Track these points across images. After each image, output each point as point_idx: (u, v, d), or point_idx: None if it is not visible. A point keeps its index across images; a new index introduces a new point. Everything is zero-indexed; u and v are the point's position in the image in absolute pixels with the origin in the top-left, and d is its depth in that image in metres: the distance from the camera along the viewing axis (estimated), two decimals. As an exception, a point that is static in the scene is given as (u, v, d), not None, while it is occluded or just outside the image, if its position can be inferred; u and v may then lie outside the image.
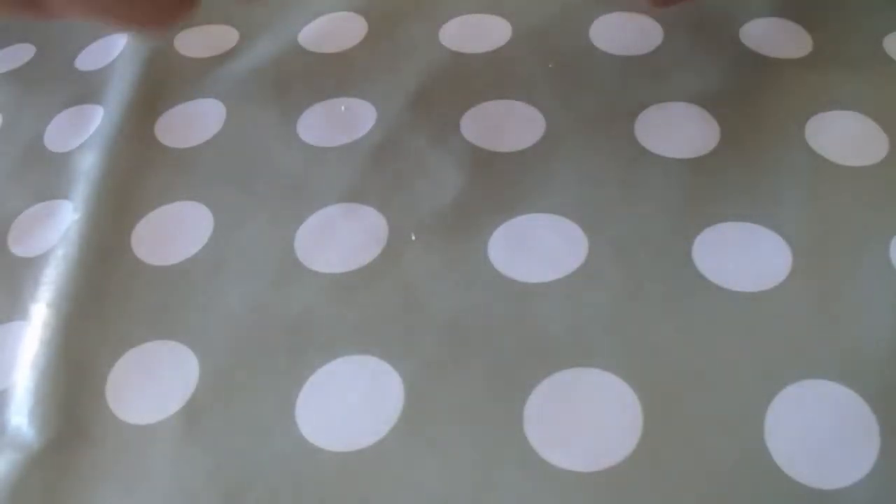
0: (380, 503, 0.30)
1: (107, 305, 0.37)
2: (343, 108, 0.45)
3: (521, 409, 0.32)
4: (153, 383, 0.35)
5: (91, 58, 0.53)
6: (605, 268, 0.36)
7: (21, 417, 0.34)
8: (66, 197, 0.43)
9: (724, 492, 0.29)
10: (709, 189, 0.38)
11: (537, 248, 0.37)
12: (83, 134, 0.47)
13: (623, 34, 0.47)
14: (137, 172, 0.44)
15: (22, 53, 0.54)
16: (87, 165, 0.44)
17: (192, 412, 0.33)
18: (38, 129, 0.48)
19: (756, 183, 0.38)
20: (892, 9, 0.47)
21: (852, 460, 0.29)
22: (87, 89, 0.50)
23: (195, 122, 0.46)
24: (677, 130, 0.41)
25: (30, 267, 0.40)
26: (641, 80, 0.44)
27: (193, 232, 0.40)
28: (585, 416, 0.31)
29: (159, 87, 0.49)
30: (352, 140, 0.43)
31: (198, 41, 0.52)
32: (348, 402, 0.33)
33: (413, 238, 0.38)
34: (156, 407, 0.34)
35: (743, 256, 0.36)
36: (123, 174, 0.43)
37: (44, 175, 0.45)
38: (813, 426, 0.30)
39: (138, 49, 0.51)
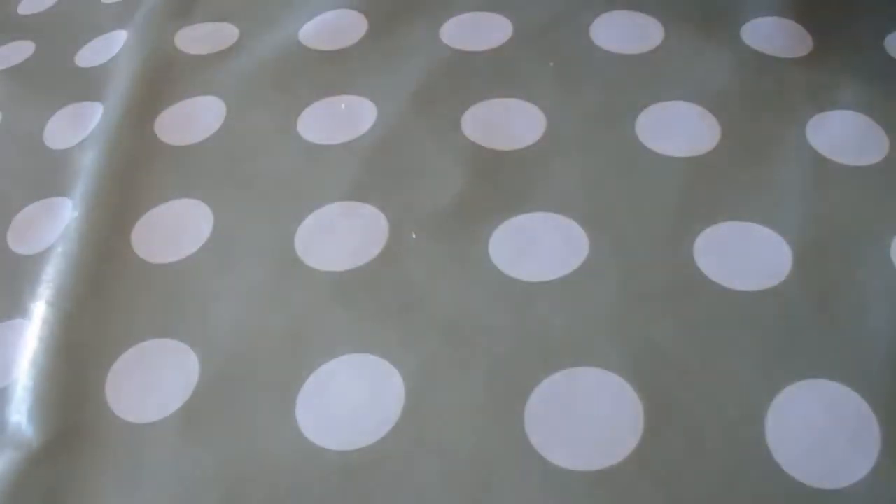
0: (380, 502, 0.30)
1: (107, 303, 0.37)
2: (343, 105, 0.45)
3: (522, 408, 0.32)
4: (153, 382, 0.34)
5: (91, 55, 0.53)
6: (606, 266, 0.36)
7: (21, 415, 0.34)
8: (65, 194, 0.43)
9: (725, 491, 0.29)
10: (710, 188, 0.38)
11: (538, 246, 0.37)
12: (83, 131, 0.47)
13: (624, 33, 0.47)
14: (137, 170, 0.43)
15: (21, 50, 0.54)
16: (87, 163, 0.44)
17: (192, 411, 0.33)
18: (37, 127, 0.48)
19: (757, 182, 0.38)
20: (893, 9, 0.47)
21: (853, 459, 0.29)
22: (86, 86, 0.50)
23: (195, 119, 0.46)
24: (678, 129, 0.41)
25: (30, 265, 0.40)
26: (642, 79, 0.44)
27: (193, 230, 0.40)
28: (586, 416, 0.31)
29: (159, 84, 0.48)
30: (352, 138, 0.43)
31: (198, 38, 0.52)
32: (349, 402, 0.33)
33: (413, 237, 0.38)
34: (156, 405, 0.34)
35: (744, 255, 0.36)
36: (123, 171, 0.43)
37: (43, 172, 0.45)
38: (813, 426, 0.30)
39: (138, 46, 0.51)
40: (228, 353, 0.35)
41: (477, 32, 0.49)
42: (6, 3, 0.59)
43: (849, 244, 0.36)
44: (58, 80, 0.51)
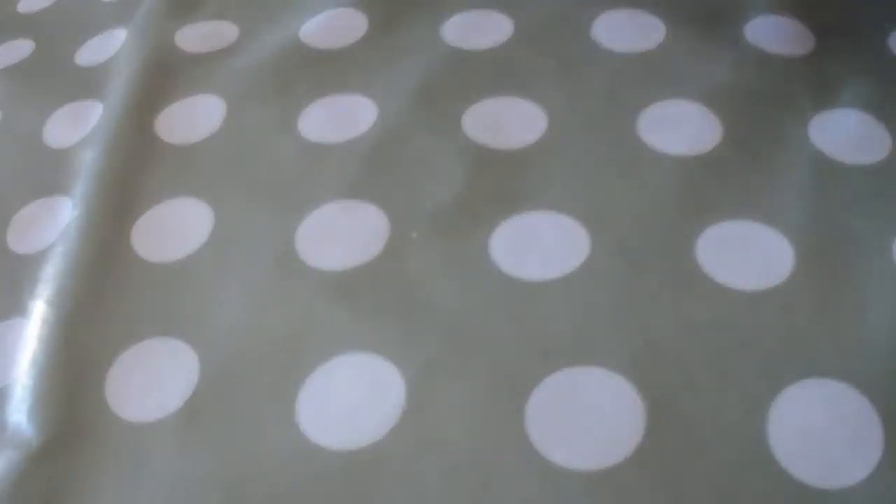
0: (380, 502, 0.30)
1: (106, 302, 0.37)
2: (344, 105, 0.45)
3: (523, 408, 0.32)
4: (153, 381, 0.34)
5: (91, 53, 0.53)
6: (608, 266, 0.36)
7: (20, 415, 0.34)
8: (65, 193, 0.43)
9: (725, 491, 0.29)
10: (711, 187, 0.38)
11: (539, 245, 0.37)
12: (83, 130, 0.47)
13: (625, 31, 0.47)
14: (137, 169, 0.43)
15: (21, 49, 0.54)
16: (87, 161, 0.44)
17: (192, 410, 0.33)
18: (37, 126, 0.48)
19: (759, 181, 0.38)
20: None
21: (855, 459, 0.29)
22: (86, 85, 0.50)
23: (195, 118, 0.46)
24: (680, 128, 0.41)
25: (29, 264, 0.40)
26: (644, 78, 0.44)
27: (193, 229, 0.40)
28: (587, 416, 0.31)
29: (159, 82, 0.48)
30: (353, 137, 0.43)
31: (198, 37, 0.52)
32: (349, 401, 0.33)
33: (414, 236, 0.38)
34: (156, 405, 0.34)
35: (745, 255, 0.35)
36: (123, 170, 0.43)
37: (43, 171, 0.45)
38: (815, 425, 0.30)
39: (138, 45, 0.51)
40: (228, 353, 0.35)
41: (478, 31, 0.48)
42: (6, 1, 0.59)
43: (851, 243, 0.35)
44: (57, 79, 0.51)
